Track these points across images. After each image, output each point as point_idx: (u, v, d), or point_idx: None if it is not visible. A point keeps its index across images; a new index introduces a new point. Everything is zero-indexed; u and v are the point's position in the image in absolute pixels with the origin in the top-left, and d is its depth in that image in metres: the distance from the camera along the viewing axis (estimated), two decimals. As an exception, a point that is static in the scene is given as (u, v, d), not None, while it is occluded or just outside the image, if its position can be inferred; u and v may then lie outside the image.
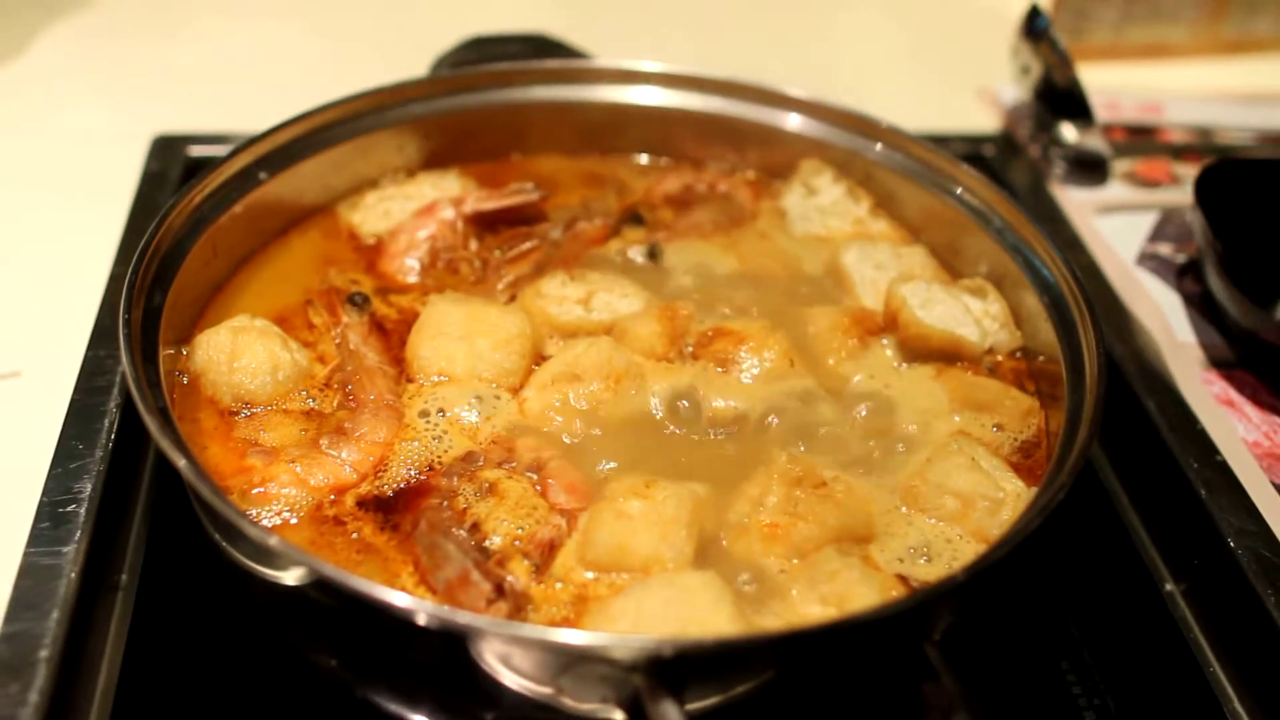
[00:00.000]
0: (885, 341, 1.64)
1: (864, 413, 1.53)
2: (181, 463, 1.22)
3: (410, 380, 1.53)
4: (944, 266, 1.79)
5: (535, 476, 1.42)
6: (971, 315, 1.63)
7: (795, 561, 1.33)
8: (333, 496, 1.38)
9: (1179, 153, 2.27)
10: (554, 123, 1.95)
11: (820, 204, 1.87)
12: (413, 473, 1.41)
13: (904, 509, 1.42)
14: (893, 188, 1.85)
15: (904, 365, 1.61)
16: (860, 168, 1.88)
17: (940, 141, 1.82)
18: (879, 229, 1.85)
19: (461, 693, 1.26)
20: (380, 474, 1.41)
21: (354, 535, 1.35)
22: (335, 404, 1.49)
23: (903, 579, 1.34)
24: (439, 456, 1.43)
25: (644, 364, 1.56)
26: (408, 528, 1.35)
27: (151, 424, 1.24)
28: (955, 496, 1.41)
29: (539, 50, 2.04)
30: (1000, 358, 1.63)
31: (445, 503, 1.38)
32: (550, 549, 1.34)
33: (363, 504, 1.38)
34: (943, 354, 1.61)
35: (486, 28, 2.11)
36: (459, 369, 1.52)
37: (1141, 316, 1.81)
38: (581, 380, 1.50)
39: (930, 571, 1.36)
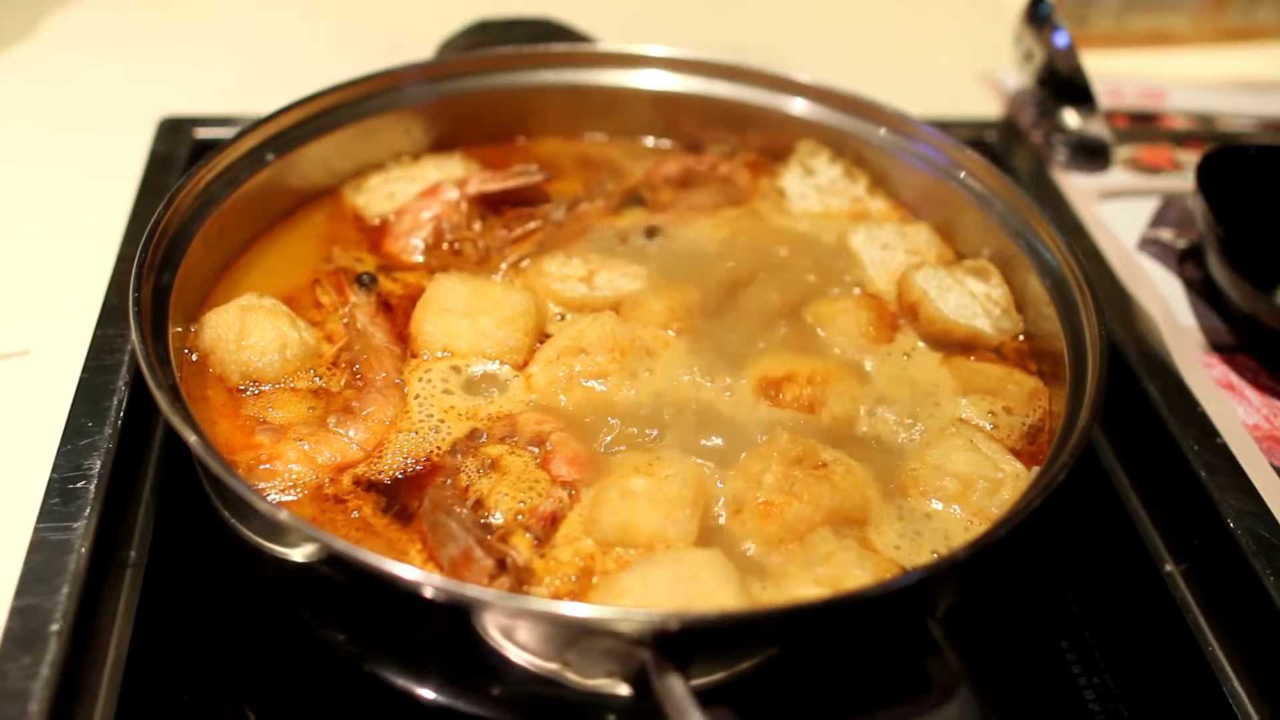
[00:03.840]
0: (903, 333, 1.65)
1: (873, 399, 1.54)
2: (192, 438, 1.23)
3: (414, 355, 1.54)
4: (945, 243, 1.80)
5: (537, 451, 1.43)
6: (978, 302, 1.64)
7: (791, 546, 1.34)
8: (330, 477, 1.39)
9: (1181, 139, 2.27)
10: (559, 106, 1.96)
11: (818, 183, 1.88)
12: (409, 461, 1.41)
13: (905, 491, 1.43)
14: (892, 170, 1.86)
15: (915, 352, 1.62)
16: (853, 150, 1.89)
17: (943, 127, 1.83)
18: (877, 207, 1.86)
19: (468, 667, 1.27)
20: (379, 456, 1.42)
21: (354, 514, 1.36)
22: (343, 383, 1.50)
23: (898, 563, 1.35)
24: (437, 446, 1.43)
25: (649, 339, 1.57)
26: (414, 508, 1.36)
27: (162, 400, 1.25)
28: (955, 478, 1.42)
29: (544, 34, 2.04)
30: (1004, 339, 1.64)
31: (449, 480, 1.39)
32: (552, 522, 1.36)
33: (359, 483, 1.39)
34: (961, 345, 1.63)
35: (492, 12, 2.12)
36: (463, 345, 1.54)
37: (1143, 301, 1.82)
38: (587, 354, 1.51)
39: (928, 552, 1.37)
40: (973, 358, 1.61)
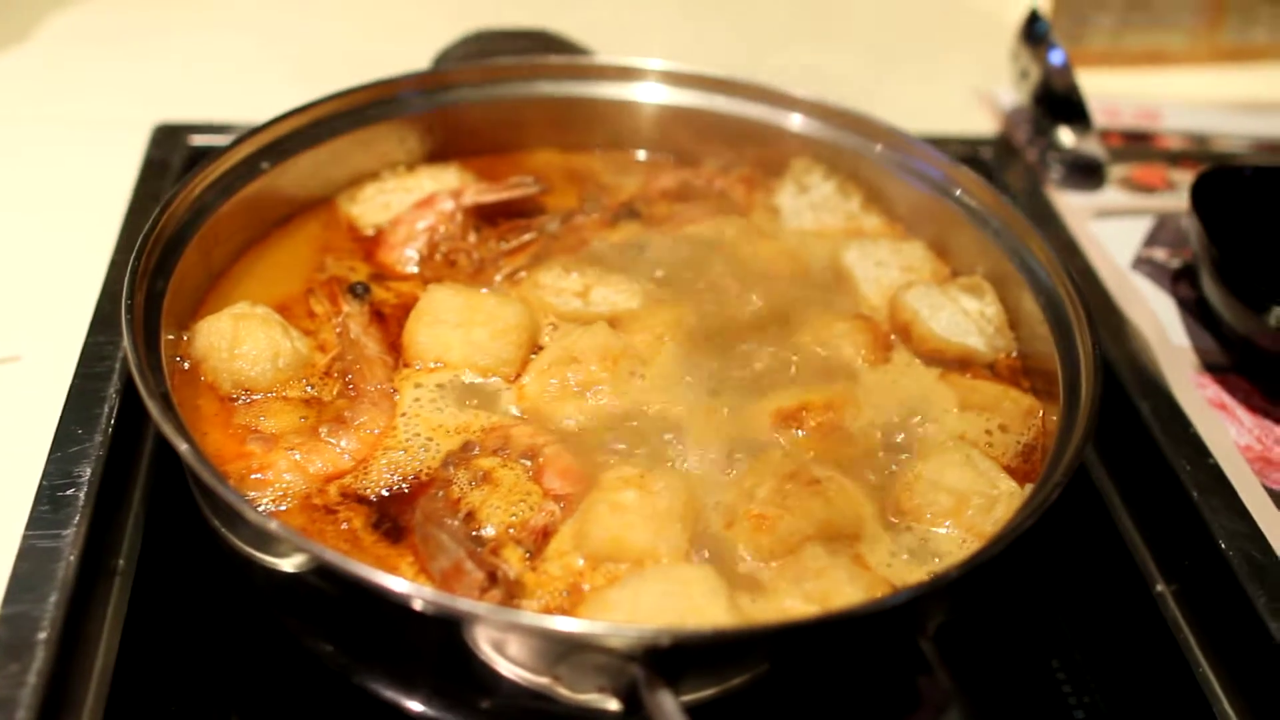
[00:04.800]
0: (898, 351, 1.65)
1: (873, 418, 1.54)
2: (183, 447, 1.23)
3: (406, 365, 1.54)
4: (939, 260, 1.80)
5: (530, 464, 1.42)
6: (971, 319, 1.64)
7: (778, 562, 1.34)
8: (319, 488, 1.39)
9: (1175, 159, 2.28)
10: (554, 118, 1.95)
11: (812, 200, 1.88)
12: (398, 479, 1.41)
13: (900, 506, 1.43)
14: (886, 187, 1.86)
15: (911, 370, 1.62)
16: (848, 166, 1.89)
17: (938, 143, 1.83)
18: (871, 224, 1.86)
19: (458, 681, 1.26)
20: (366, 472, 1.41)
21: (344, 526, 1.35)
22: (335, 392, 1.50)
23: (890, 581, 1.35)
24: (427, 465, 1.42)
25: (642, 350, 1.57)
26: (405, 523, 1.36)
27: (153, 408, 1.25)
28: (949, 494, 1.41)
29: (540, 46, 2.05)
30: (998, 357, 1.64)
31: (440, 493, 1.38)
32: (544, 535, 1.35)
33: (347, 495, 1.39)
34: (955, 363, 1.63)
35: (489, 23, 2.12)
36: (455, 357, 1.53)
37: (1136, 320, 1.82)
38: (579, 365, 1.51)
39: (921, 570, 1.36)
40: (968, 375, 1.61)
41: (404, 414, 1.48)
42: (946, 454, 1.46)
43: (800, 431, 1.49)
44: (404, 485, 1.40)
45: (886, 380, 1.60)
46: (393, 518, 1.36)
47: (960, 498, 1.41)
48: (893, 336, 1.66)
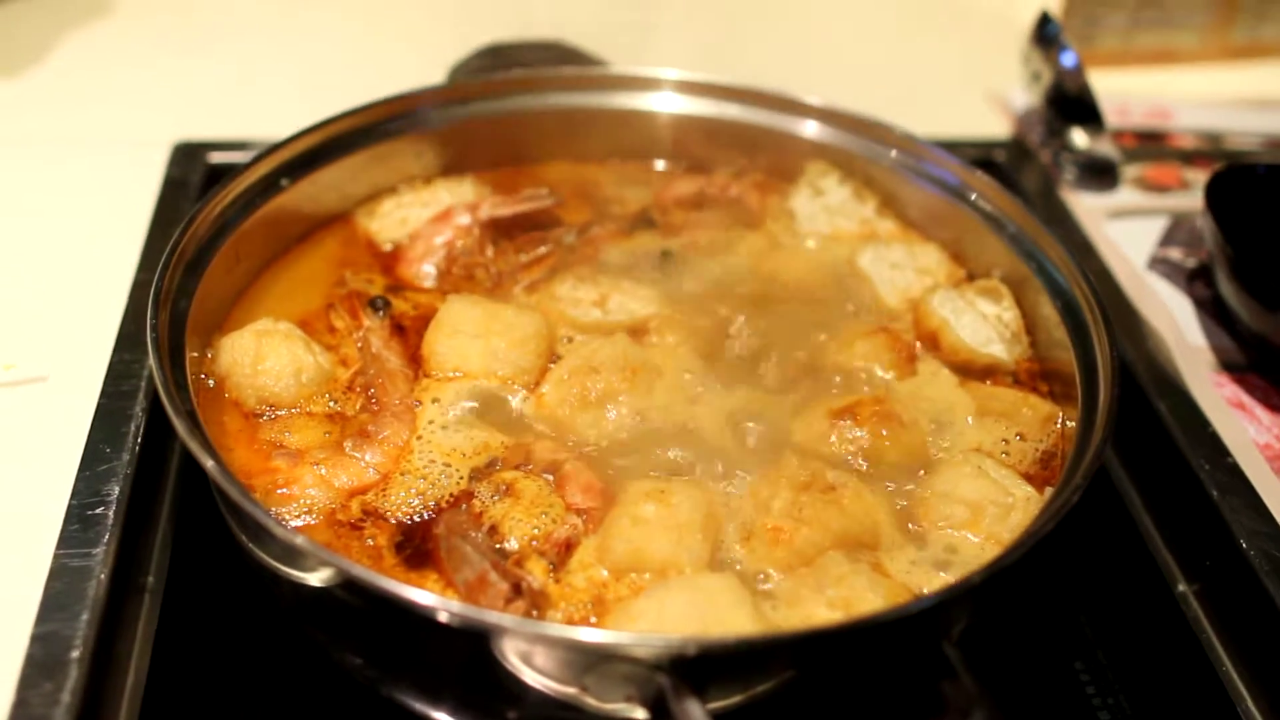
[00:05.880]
0: (924, 360, 1.65)
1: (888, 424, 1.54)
2: (209, 464, 1.24)
3: (426, 375, 1.55)
4: (954, 263, 1.81)
5: (551, 478, 1.43)
6: (990, 324, 1.64)
7: (802, 570, 1.34)
8: (343, 503, 1.40)
9: (1189, 158, 2.28)
10: (569, 129, 1.96)
11: (828, 204, 1.89)
12: (419, 505, 1.40)
13: (916, 517, 1.43)
14: (901, 191, 1.87)
15: (935, 377, 1.63)
16: (862, 171, 1.89)
17: (951, 147, 1.84)
18: (886, 228, 1.87)
19: (486, 692, 1.27)
20: (385, 493, 1.41)
21: (369, 541, 1.36)
22: (358, 407, 1.51)
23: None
24: (449, 492, 1.42)
25: (661, 361, 1.57)
26: (428, 548, 1.36)
27: (180, 426, 1.26)
28: (964, 504, 1.42)
29: (555, 58, 2.06)
30: (1017, 363, 1.64)
31: (464, 506, 1.39)
32: (567, 548, 1.36)
33: (369, 513, 1.39)
34: (981, 372, 1.63)
35: (503, 36, 2.13)
36: (474, 366, 1.54)
37: (1153, 320, 1.82)
38: (599, 375, 1.51)
39: (941, 577, 1.37)
40: (988, 382, 1.61)
41: (420, 436, 1.47)
42: (957, 466, 1.46)
43: (855, 431, 1.49)
44: (426, 512, 1.40)
45: (913, 391, 1.60)
46: (415, 544, 1.37)
47: (975, 508, 1.41)
48: (918, 345, 1.67)
